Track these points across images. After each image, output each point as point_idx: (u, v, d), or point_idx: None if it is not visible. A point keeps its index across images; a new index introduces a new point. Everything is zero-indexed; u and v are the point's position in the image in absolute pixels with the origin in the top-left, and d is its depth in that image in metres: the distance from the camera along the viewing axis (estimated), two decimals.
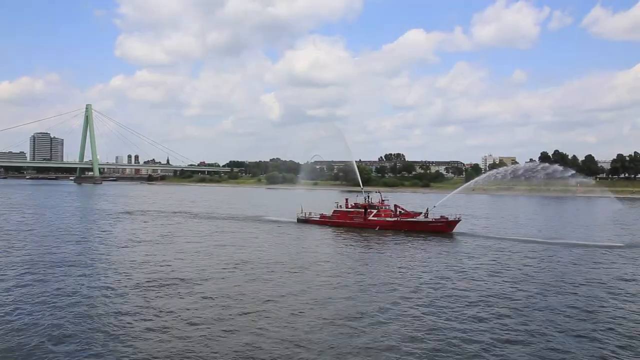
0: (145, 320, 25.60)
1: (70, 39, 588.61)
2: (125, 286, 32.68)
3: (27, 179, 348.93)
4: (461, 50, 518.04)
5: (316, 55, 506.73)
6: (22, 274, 35.83)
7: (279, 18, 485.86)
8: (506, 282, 34.98)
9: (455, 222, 61.38)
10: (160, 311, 27.02)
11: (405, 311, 27.43)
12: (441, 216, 62.56)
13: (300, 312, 27.18)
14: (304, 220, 73.53)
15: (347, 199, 72.65)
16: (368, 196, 70.53)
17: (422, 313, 27.07)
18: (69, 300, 28.99)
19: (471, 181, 76.87)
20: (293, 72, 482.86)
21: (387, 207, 67.79)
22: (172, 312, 26.87)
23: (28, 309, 26.92)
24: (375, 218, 65.89)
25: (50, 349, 21.62)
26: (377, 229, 64.08)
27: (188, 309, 27.49)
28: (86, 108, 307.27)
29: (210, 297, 30.17)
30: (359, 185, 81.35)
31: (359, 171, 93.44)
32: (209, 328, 24.46)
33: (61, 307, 27.43)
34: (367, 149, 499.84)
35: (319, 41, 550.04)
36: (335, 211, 71.67)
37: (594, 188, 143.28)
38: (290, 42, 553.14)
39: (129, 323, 25.05)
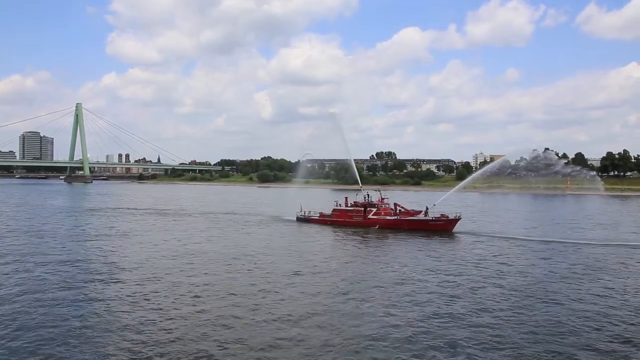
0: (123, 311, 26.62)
1: (61, 36, 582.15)
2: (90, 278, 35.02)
3: (17, 178, 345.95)
4: (455, 49, 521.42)
5: (310, 54, 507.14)
6: None
7: (274, 16, 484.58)
8: (510, 281, 35.80)
9: (455, 221, 61.91)
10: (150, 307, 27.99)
11: (406, 311, 27.71)
12: (441, 214, 63.14)
13: (296, 309, 27.82)
14: (304, 219, 74.10)
15: (346, 198, 73.09)
16: (368, 195, 71.10)
17: (422, 314, 27.30)
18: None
19: (469, 177, 77.82)
20: (286, 70, 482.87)
21: (387, 205, 68.48)
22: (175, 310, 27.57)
23: None
24: (375, 217, 66.46)
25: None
26: (377, 227, 64.81)
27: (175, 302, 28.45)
28: (76, 107, 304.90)
29: (201, 292, 31.51)
30: (350, 183, 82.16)
31: (352, 169, 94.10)
32: (191, 321, 25.48)
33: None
34: (360, 147, 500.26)
35: (314, 39, 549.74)
36: (334, 210, 72.14)
37: (584, 185, 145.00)
38: (285, 40, 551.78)
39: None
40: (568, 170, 79.42)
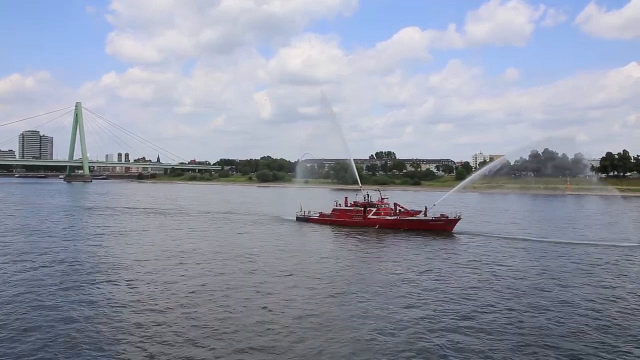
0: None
1: (61, 36, 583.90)
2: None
3: (17, 177, 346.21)
4: (455, 48, 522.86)
5: (310, 53, 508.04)
6: None
7: (273, 16, 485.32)
8: (509, 281, 35.79)
9: (455, 221, 61.83)
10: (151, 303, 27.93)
11: (405, 311, 27.64)
12: (441, 214, 62.99)
13: (295, 309, 27.85)
14: (303, 219, 74.08)
15: (346, 198, 73.10)
16: (367, 195, 71.04)
17: (421, 314, 27.24)
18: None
19: (469, 178, 77.73)
20: (286, 70, 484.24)
21: (387, 205, 68.43)
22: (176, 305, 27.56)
23: None
24: (375, 217, 66.42)
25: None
26: (376, 227, 64.78)
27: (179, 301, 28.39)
28: (76, 106, 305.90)
29: (199, 292, 31.47)
30: (350, 183, 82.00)
31: (352, 169, 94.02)
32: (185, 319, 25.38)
33: None
34: (359, 147, 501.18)
35: (313, 39, 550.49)
36: (334, 210, 72.10)
37: (584, 186, 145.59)
38: (285, 40, 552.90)
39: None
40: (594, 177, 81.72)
